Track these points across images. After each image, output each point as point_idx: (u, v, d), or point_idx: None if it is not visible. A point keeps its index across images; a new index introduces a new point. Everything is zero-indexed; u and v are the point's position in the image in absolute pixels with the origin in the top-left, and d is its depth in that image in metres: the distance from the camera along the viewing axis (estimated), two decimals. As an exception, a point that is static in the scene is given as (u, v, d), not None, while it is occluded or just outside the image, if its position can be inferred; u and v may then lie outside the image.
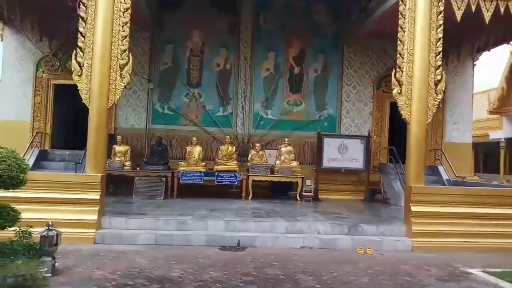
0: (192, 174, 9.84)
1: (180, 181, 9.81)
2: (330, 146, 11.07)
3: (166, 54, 11.50)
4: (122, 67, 6.87)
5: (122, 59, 6.87)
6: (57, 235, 4.68)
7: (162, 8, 11.24)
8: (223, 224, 6.73)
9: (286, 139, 10.71)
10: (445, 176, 11.15)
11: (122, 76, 6.87)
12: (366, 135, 11.35)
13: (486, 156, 22.46)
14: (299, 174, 10.25)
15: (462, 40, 10.54)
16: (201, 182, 9.84)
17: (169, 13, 11.38)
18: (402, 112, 7.15)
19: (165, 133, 11.30)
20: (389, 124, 11.96)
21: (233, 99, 11.56)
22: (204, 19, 11.44)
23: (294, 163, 10.47)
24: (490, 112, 22.17)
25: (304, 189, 10.18)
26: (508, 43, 10.19)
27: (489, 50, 10.68)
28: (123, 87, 6.90)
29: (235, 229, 6.66)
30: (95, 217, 6.47)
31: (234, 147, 10.52)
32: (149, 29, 11.30)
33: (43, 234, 4.60)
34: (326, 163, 11.04)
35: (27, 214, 5.12)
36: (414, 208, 6.86)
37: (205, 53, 11.55)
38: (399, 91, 7.16)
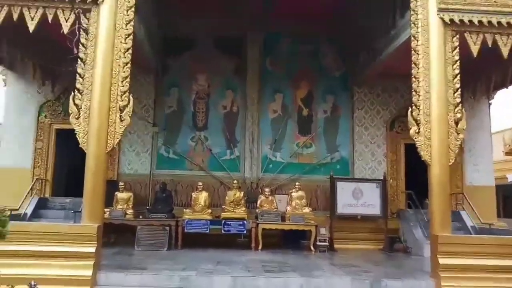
0: (197, 222, 9.27)
1: (185, 230, 9.22)
2: (344, 191, 10.50)
3: (171, 97, 11.31)
4: (122, 109, 6.56)
5: (122, 101, 6.58)
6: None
7: (166, 50, 11.18)
8: (230, 281, 6.08)
9: (297, 183, 10.19)
10: (469, 223, 10.42)
11: (122, 119, 6.55)
12: (382, 178, 10.79)
13: (505, 199, 21.59)
14: (312, 222, 9.62)
15: (478, 77, 10.21)
16: (207, 231, 9.24)
17: (173, 56, 11.32)
18: (421, 153, 6.67)
19: (170, 179, 10.86)
20: (405, 167, 11.41)
21: (241, 142, 11.19)
22: (209, 61, 11.34)
23: (307, 210, 9.87)
24: (506, 153, 21.57)
25: (318, 238, 9.50)
26: (527, 80, 9.81)
27: (507, 87, 10.28)
28: (122, 130, 6.55)
29: (244, 286, 6.01)
30: (89, 272, 5.89)
31: (242, 193, 10.00)
32: (153, 72, 11.19)
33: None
34: (341, 209, 10.42)
35: (10, 270, 4.62)
36: (442, 261, 6.19)
37: (211, 96, 11.34)
38: (416, 131, 6.72)
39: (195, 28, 11.25)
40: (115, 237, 9.98)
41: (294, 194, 10.09)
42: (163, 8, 9.98)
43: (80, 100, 6.47)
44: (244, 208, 9.68)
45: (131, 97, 6.63)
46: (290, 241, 10.02)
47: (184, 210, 9.60)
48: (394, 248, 10.30)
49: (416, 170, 12.46)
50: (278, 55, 11.53)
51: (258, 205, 9.99)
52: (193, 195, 9.87)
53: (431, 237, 6.58)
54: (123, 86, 6.61)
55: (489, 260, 6.13)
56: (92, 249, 6.01)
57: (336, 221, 10.33)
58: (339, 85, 11.54)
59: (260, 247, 9.31)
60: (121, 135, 6.57)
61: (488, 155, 11.65)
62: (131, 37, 6.70)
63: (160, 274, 6.19)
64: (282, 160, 11.16)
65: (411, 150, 11.65)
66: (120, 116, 6.56)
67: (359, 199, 10.52)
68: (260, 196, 10.11)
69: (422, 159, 6.68)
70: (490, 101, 11.83)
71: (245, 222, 9.34)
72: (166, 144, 11.05)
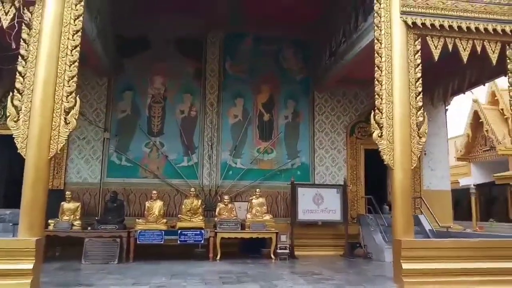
0: (151, 233, 8.74)
1: (138, 242, 8.67)
2: (305, 197, 10.34)
3: (124, 101, 10.72)
4: (67, 111, 6.01)
5: (68, 102, 6.03)
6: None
7: (120, 51, 10.62)
8: (185, 295, 5.67)
9: (257, 190, 9.91)
10: (427, 226, 10.56)
11: (67, 122, 5.99)
12: (342, 184, 10.74)
13: (457, 203, 22.46)
14: (272, 229, 9.35)
15: (436, 83, 10.45)
16: (162, 242, 8.74)
17: (128, 58, 10.77)
18: (384, 157, 6.59)
19: (122, 187, 10.25)
20: (364, 172, 11.45)
21: (199, 148, 10.78)
22: (167, 63, 10.89)
23: (267, 217, 9.60)
24: (458, 159, 22.48)
25: (278, 245, 9.25)
26: (483, 85, 10.11)
27: (464, 93, 10.57)
28: (67, 134, 5.99)
29: (200, 300, 5.63)
30: (25, 292, 5.28)
31: (199, 201, 9.57)
32: (106, 74, 10.59)
33: None
34: (302, 216, 10.24)
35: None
36: (405, 266, 6.09)
37: (168, 100, 10.86)
38: (379, 134, 6.64)
39: (152, 27, 10.77)
40: (61, 250, 9.31)
41: (255, 201, 9.80)
42: (117, 4, 9.45)
43: (19, 101, 5.87)
44: (201, 217, 9.26)
45: (78, 99, 6.09)
46: (250, 249, 9.70)
47: (137, 220, 9.03)
48: (355, 254, 10.24)
49: (374, 176, 12.64)
50: (239, 58, 11.26)
51: (216, 213, 9.60)
52: (147, 204, 9.33)
53: (393, 242, 6.48)
54: (69, 86, 6.08)
55: (452, 263, 6.10)
56: (29, 266, 5.41)
57: (297, 227, 10.13)
58: (300, 90, 11.42)
59: (218, 257, 8.92)
60: (65, 140, 6.01)
61: (444, 160, 11.93)
62: (79, 33, 6.20)
63: (107, 291, 5.66)
64: (242, 166, 10.85)
65: (371, 156, 11.79)
66: (65, 118, 6.01)
67: (319, 204, 10.40)
68: (219, 204, 9.73)
69: (385, 163, 6.60)
70: (446, 107, 12.15)
71: (202, 231, 8.92)
72: (118, 151, 10.43)
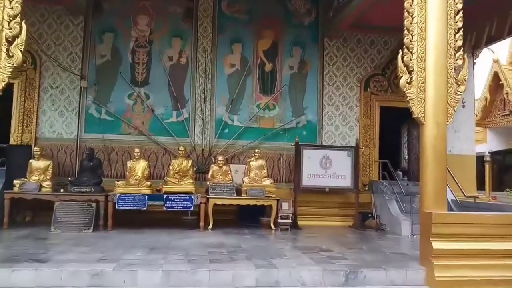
0: (132, 197, 7.64)
1: (117, 207, 7.59)
2: (311, 160, 9.16)
3: (104, 45, 9.34)
4: (10, 41, 4.74)
5: (11, 29, 4.75)
6: None
7: (99, -15, 9.15)
8: (160, 276, 4.58)
9: (256, 151, 8.71)
10: (450, 196, 9.40)
11: (11, 54, 4.73)
12: (354, 145, 9.52)
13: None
14: (273, 196, 8.24)
15: (468, 30, 8.97)
16: (144, 208, 7.66)
17: (108, -7, 9.30)
18: (413, 108, 5.34)
19: (102, 144, 9.08)
20: (379, 133, 10.21)
21: (190, 101, 9.50)
22: (152, 1, 9.43)
23: (267, 181, 8.46)
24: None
25: (280, 214, 8.18)
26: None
27: (504, 38, 9.09)
28: (11, 69, 4.74)
29: (179, 284, 4.53)
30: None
31: (190, 162, 8.40)
32: (82, 13, 9.18)
33: None
34: (306, 181, 9.10)
35: None
36: (436, 245, 4.97)
37: (154, 44, 9.46)
38: (408, 80, 5.36)
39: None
40: (32, 216, 8.32)
41: (253, 164, 8.63)
42: None
43: None
44: (191, 181, 8.11)
45: (23, 24, 4.78)
46: (247, 218, 8.66)
47: (116, 182, 7.90)
48: (366, 225, 9.22)
49: (387, 138, 11.44)
50: (238, -4, 9.76)
51: (209, 176, 8.47)
52: (129, 164, 8.18)
53: (421, 215, 5.33)
54: (11, 8, 4.76)
55: (496, 243, 4.97)
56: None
57: (301, 194, 9.03)
58: (308, 36, 9.97)
59: (210, 226, 7.87)
60: (8, 77, 4.75)
61: (470, 120, 10.67)
62: None
63: (61, 268, 4.56)
64: (240, 124, 9.61)
65: (386, 114, 10.55)
66: (8, 50, 4.74)
67: (327, 169, 9.23)
68: (212, 165, 8.57)
69: (414, 116, 5.36)
70: (474, 60, 10.72)
71: (192, 196, 7.81)
72: (97, 102, 9.17)
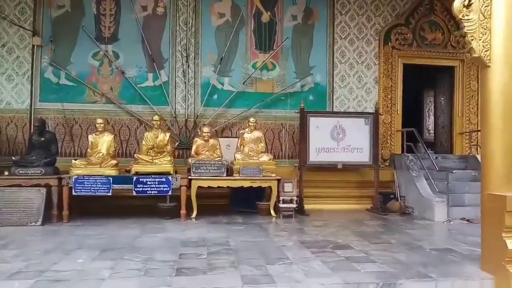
0: (93, 180, 6.10)
1: (73, 193, 6.06)
2: (320, 130, 7.54)
3: (61, -8, 7.66)
4: None
5: None
6: None
7: None
8: (94, 303, 3.04)
9: (251, 120, 7.08)
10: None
11: None
12: (373, 111, 7.86)
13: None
14: (273, 175, 6.67)
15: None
16: (109, 193, 6.12)
17: None
18: (473, 44, 3.69)
19: (62, 116, 7.52)
20: (402, 97, 8.53)
21: (170, 61, 7.84)
22: None
23: (265, 158, 6.87)
24: None
25: (281, 197, 6.63)
26: None
27: None
28: None
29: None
30: None
31: (167, 135, 6.80)
32: (31, -49, 7.44)
33: None
34: (314, 156, 7.51)
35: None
36: (512, 244, 3.39)
37: (123, -10, 7.76)
38: (465, 2, 3.67)
39: None
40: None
41: (247, 136, 7.03)
42: None
43: None
44: (169, 158, 6.53)
45: None
46: (242, 203, 7.15)
47: (73, 161, 6.34)
48: (388, 208, 7.67)
49: (408, 103, 9.81)
50: None
51: (192, 152, 6.89)
52: (90, 139, 6.60)
53: (484, 200, 3.76)
54: None
55: None
56: None
57: (308, 172, 7.48)
58: (314, -23, 8.21)
59: (194, 214, 6.35)
60: None
61: None
62: None
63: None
64: (232, 88, 7.96)
65: (410, 72, 8.86)
66: None
67: (340, 140, 7.62)
68: (196, 139, 6.98)
69: (474, 55, 3.68)
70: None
71: (170, 178, 6.25)
72: (54, 64, 7.54)
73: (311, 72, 8.15)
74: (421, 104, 10.42)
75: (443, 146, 9.21)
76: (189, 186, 6.35)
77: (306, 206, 7.25)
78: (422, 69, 9.05)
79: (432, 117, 10.15)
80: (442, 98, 9.39)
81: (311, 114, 7.59)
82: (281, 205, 6.62)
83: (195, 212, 6.36)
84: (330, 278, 3.50)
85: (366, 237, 5.24)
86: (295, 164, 7.65)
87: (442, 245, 4.88)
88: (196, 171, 6.42)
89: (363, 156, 7.67)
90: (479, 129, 8.38)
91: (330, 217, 6.79)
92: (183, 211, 6.27)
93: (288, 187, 6.75)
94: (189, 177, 6.36)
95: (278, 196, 6.64)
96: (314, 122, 7.57)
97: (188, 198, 6.36)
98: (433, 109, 10.03)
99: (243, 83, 7.94)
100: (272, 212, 6.62)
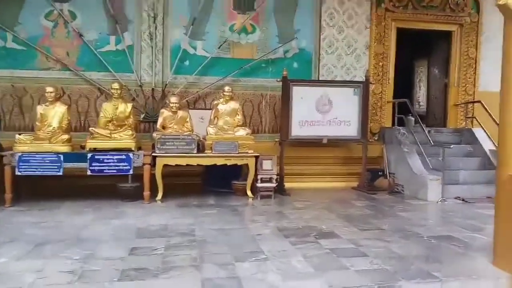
0: (40, 158, 5.28)
1: (17, 172, 5.24)
2: (304, 101, 6.81)
3: None
4: None
5: None
6: None
7: None
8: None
9: (226, 89, 6.26)
10: (487, 145, 7.22)
11: None
12: (362, 80, 7.13)
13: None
14: (250, 151, 5.93)
15: None
16: (59, 173, 5.31)
17: None
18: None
19: (10, 84, 6.59)
20: (394, 65, 7.80)
21: (134, 22, 6.91)
22: None
23: (242, 132, 6.11)
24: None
25: (260, 176, 5.93)
26: None
27: None
28: None
29: None
30: None
31: (129, 106, 5.96)
32: None
33: None
34: (298, 130, 6.80)
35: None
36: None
37: None
38: None
39: None
40: None
41: (222, 107, 6.23)
42: None
43: None
44: (131, 132, 5.71)
45: None
46: (217, 182, 6.43)
47: (18, 136, 5.48)
48: (376, 186, 7.07)
49: (408, 71, 9.17)
50: None
51: (158, 125, 6.08)
52: (39, 110, 5.72)
53: (502, 179, 3.08)
54: None
55: None
56: None
57: (290, 148, 6.79)
58: None
59: (159, 196, 5.61)
60: None
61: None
62: None
63: None
64: (206, 53, 7.10)
65: (403, 36, 8.09)
66: None
67: (326, 112, 6.91)
68: (163, 110, 6.15)
69: (499, 2, 2.96)
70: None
71: (131, 155, 5.46)
72: (0, 25, 6.54)
73: (295, 36, 7.31)
74: (412, 75, 9.73)
75: (436, 119, 8.58)
76: (154, 164, 5.58)
77: (287, 185, 6.58)
78: (416, 36, 8.31)
79: (423, 88, 9.48)
80: (436, 67, 8.70)
81: (295, 83, 6.82)
82: (259, 184, 5.93)
83: (160, 194, 5.62)
84: (313, 280, 2.83)
85: (354, 222, 4.60)
86: (276, 139, 6.92)
87: (441, 232, 4.26)
88: (161, 147, 5.64)
89: (350, 129, 6.98)
90: (476, 100, 7.76)
91: (313, 197, 6.14)
92: (146, 193, 5.52)
93: (267, 164, 6.04)
94: (153, 154, 5.58)
95: (255, 175, 5.93)
96: (298, 92, 6.81)
97: (153, 177, 5.61)
98: (424, 80, 9.36)
99: (219, 48, 7.07)
100: (249, 192, 5.92)
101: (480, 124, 7.44)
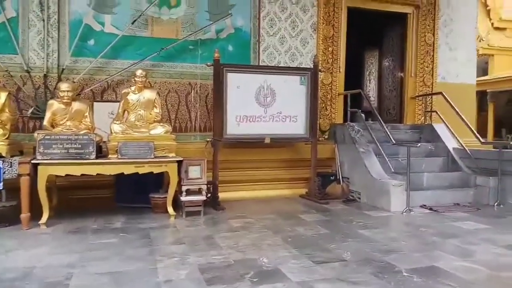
0: None
1: None
2: (242, 91, 5.58)
3: None
4: None
5: None
6: None
7: None
8: None
9: (139, 73, 4.85)
10: (450, 143, 6.41)
11: None
12: (311, 66, 6.03)
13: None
14: (171, 155, 4.60)
15: None
16: None
17: None
18: None
19: None
20: (345, 50, 6.79)
21: (19, -13, 5.32)
22: None
23: (160, 129, 4.74)
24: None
25: (185, 188, 4.63)
26: None
27: None
28: None
29: None
30: None
31: (4, 96, 4.39)
32: None
33: None
34: (234, 128, 5.56)
35: None
36: None
37: None
38: None
39: None
40: None
41: (133, 98, 4.84)
42: None
43: None
44: (2, 131, 4.17)
45: None
46: (133, 194, 5.07)
47: None
48: (328, 194, 6.02)
49: (359, 57, 8.27)
50: None
51: (45, 122, 4.56)
52: None
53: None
54: None
55: None
56: None
57: (225, 150, 5.55)
58: None
59: (43, 219, 4.11)
60: None
61: (471, 35, 7.52)
62: None
63: None
64: (117, 30, 5.64)
65: (357, 17, 7.09)
66: None
67: (268, 106, 5.73)
68: (52, 102, 4.63)
69: None
70: None
71: (1, 163, 3.93)
72: None
73: (230, 13, 6.06)
74: (362, 67, 8.87)
75: (391, 114, 7.73)
76: (33, 175, 4.09)
77: (222, 196, 5.33)
78: (366, 22, 7.41)
79: (374, 81, 8.64)
80: (391, 56, 7.84)
81: (230, 69, 5.56)
82: (183, 198, 4.62)
83: (45, 216, 4.12)
84: None
85: (305, 249, 3.44)
86: (208, 139, 5.64)
87: (422, 261, 3.21)
88: (45, 151, 4.14)
89: (297, 126, 5.86)
90: (436, 91, 6.96)
91: (254, 211, 4.95)
92: (24, 215, 4.02)
93: (195, 171, 4.75)
94: (32, 161, 4.08)
95: (179, 186, 4.63)
96: (234, 80, 5.56)
97: (36, 192, 4.12)
98: (375, 72, 8.51)
99: (132, 24, 5.65)
100: (170, 209, 4.58)
101: (442, 119, 6.62)
